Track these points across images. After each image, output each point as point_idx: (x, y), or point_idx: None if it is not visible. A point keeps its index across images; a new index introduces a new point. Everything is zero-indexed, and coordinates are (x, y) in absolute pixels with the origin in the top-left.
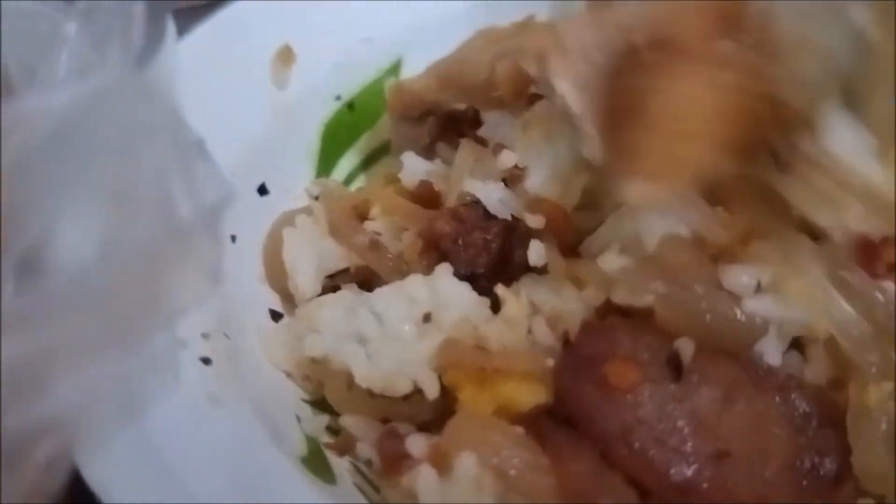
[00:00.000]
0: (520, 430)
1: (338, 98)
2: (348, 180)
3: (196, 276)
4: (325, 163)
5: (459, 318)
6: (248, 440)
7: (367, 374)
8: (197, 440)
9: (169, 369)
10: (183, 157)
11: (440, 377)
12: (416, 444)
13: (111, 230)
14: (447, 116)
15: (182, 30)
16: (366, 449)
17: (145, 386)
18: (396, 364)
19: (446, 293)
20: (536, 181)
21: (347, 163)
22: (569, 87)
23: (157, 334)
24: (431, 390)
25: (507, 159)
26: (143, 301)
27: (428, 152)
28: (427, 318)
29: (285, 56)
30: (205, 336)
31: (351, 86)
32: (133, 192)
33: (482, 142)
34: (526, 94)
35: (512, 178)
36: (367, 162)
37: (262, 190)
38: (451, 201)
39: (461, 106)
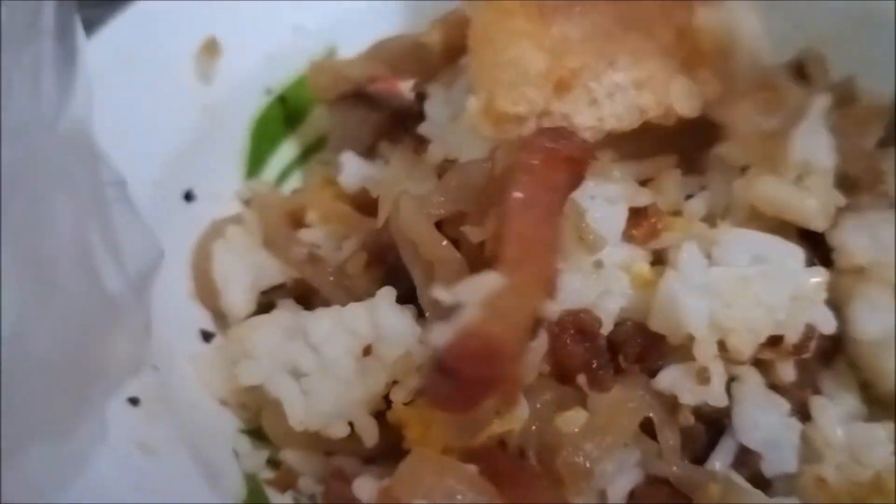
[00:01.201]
0: (473, 469)
1: (268, 92)
2: (281, 178)
3: (128, 347)
4: (256, 161)
5: (403, 354)
6: (186, 492)
7: (302, 416)
8: (132, 499)
9: (97, 429)
10: (102, 207)
11: (385, 412)
12: (365, 488)
13: (30, 308)
14: (391, 114)
15: (95, 22)
16: (309, 483)
17: (76, 450)
18: (334, 405)
19: (388, 324)
20: None
21: (279, 161)
22: None
23: (88, 417)
24: (369, 437)
25: (437, 153)
26: (70, 383)
27: (369, 152)
28: (367, 350)
29: (210, 49)
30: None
31: (282, 78)
32: (52, 260)
33: (423, 140)
34: (457, 57)
35: (444, 173)
36: (302, 158)
37: (189, 196)
38: (384, 209)
39: (405, 98)
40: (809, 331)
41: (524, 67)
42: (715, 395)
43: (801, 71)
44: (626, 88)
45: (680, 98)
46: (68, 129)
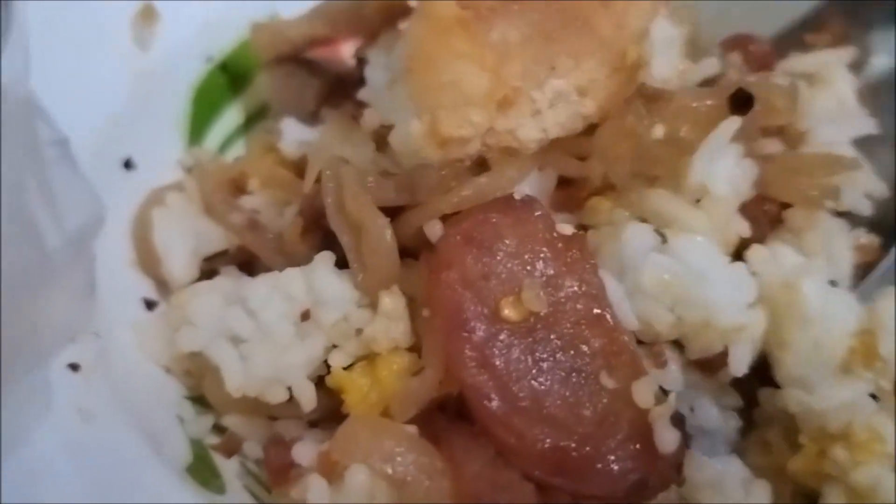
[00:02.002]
0: (412, 430)
1: (209, 59)
2: (223, 148)
3: (68, 307)
4: (197, 130)
5: (340, 318)
6: (126, 456)
7: (239, 382)
8: (73, 466)
9: (40, 396)
10: (40, 166)
11: (324, 377)
12: (304, 453)
13: None
14: (334, 79)
15: None
16: (254, 448)
17: (17, 420)
18: (272, 370)
19: (325, 289)
20: (400, 136)
21: (222, 129)
22: None
23: (30, 374)
24: (308, 402)
25: (372, 119)
26: (12, 342)
27: (312, 118)
28: (305, 315)
29: (147, 14)
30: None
31: (222, 45)
32: None
33: (363, 105)
34: (397, 19)
35: (381, 139)
36: (244, 127)
37: (128, 164)
38: (313, 171)
39: (346, 64)
40: None
41: (466, 89)
42: (671, 379)
43: None
44: (568, 95)
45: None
46: (3, 87)
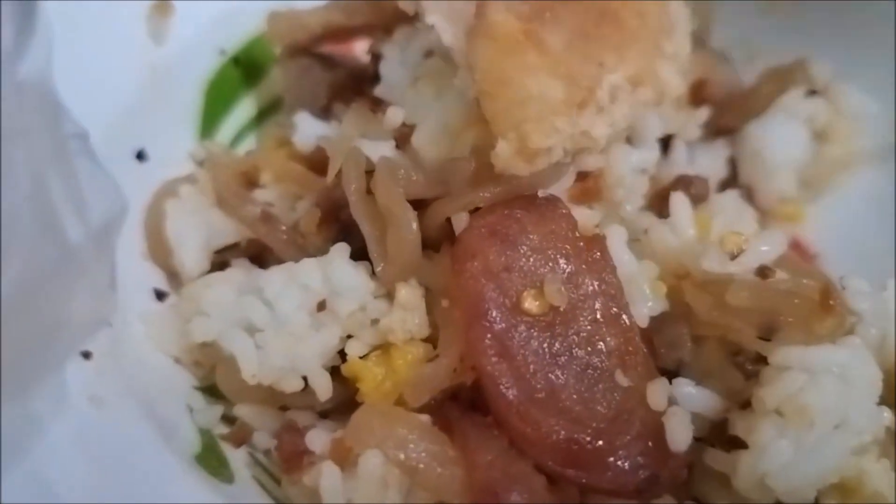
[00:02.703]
0: (425, 418)
1: (222, 52)
2: (235, 142)
3: (91, 301)
4: (209, 123)
5: (357, 308)
6: (136, 443)
7: (255, 370)
8: (83, 454)
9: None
10: (64, 159)
11: (339, 367)
12: (317, 439)
13: None
14: (347, 75)
15: None
16: (264, 438)
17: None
18: (287, 359)
19: (341, 279)
20: (424, 137)
21: (234, 122)
22: (440, 20)
23: (47, 376)
24: (323, 390)
25: (395, 117)
26: (36, 337)
27: (324, 113)
28: (321, 306)
29: (162, 8)
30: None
31: (236, 38)
32: (9, 211)
33: (379, 102)
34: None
35: (401, 137)
36: (257, 121)
37: (141, 156)
38: (336, 164)
39: (360, 60)
40: None
41: (548, 100)
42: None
43: None
44: (624, 88)
45: (669, 81)
46: (26, 80)
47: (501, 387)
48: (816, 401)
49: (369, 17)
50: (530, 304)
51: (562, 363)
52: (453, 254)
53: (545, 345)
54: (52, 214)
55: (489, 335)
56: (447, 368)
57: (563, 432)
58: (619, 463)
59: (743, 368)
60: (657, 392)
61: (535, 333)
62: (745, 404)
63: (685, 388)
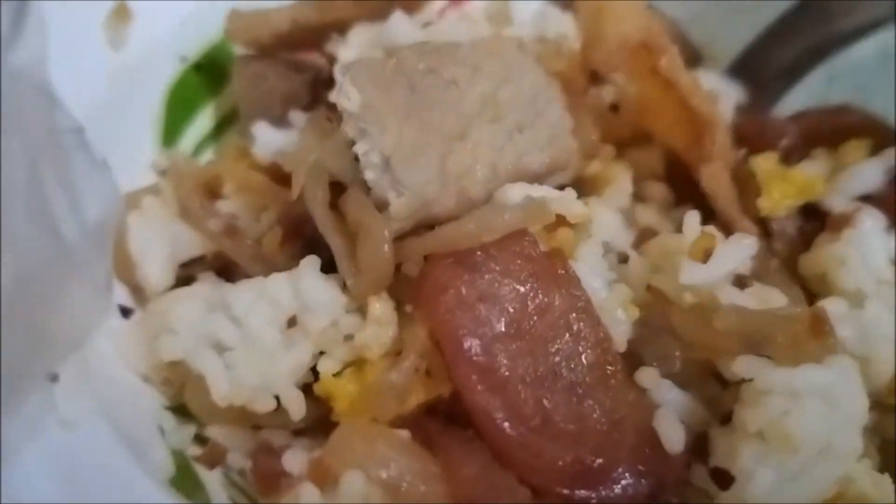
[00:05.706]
0: (405, 434)
1: (183, 59)
2: (198, 150)
3: (87, 302)
4: (171, 131)
5: (328, 324)
6: (109, 468)
7: (225, 391)
8: (56, 479)
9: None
10: (59, 155)
11: (312, 385)
12: (294, 461)
13: None
14: (306, 82)
15: None
16: (238, 459)
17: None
18: (258, 379)
19: (312, 294)
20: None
21: (196, 130)
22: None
23: (41, 383)
24: (296, 410)
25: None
26: (30, 340)
27: (280, 122)
28: (292, 322)
29: (121, 14)
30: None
31: (197, 45)
32: (3, 205)
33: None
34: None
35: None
36: (219, 129)
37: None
38: (298, 181)
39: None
40: None
41: None
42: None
43: None
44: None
45: None
46: (19, 71)
47: (497, 421)
48: (800, 427)
49: (343, 13)
50: (508, 331)
51: (548, 385)
52: (419, 287)
53: (530, 369)
54: (47, 211)
55: (475, 372)
56: (409, 370)
57: (567, 456)
58: (625, 475)
59: (719, 377)
60: (644, 379)
61: (519, 360)
62: (725, 419)
63: (668, 392)
